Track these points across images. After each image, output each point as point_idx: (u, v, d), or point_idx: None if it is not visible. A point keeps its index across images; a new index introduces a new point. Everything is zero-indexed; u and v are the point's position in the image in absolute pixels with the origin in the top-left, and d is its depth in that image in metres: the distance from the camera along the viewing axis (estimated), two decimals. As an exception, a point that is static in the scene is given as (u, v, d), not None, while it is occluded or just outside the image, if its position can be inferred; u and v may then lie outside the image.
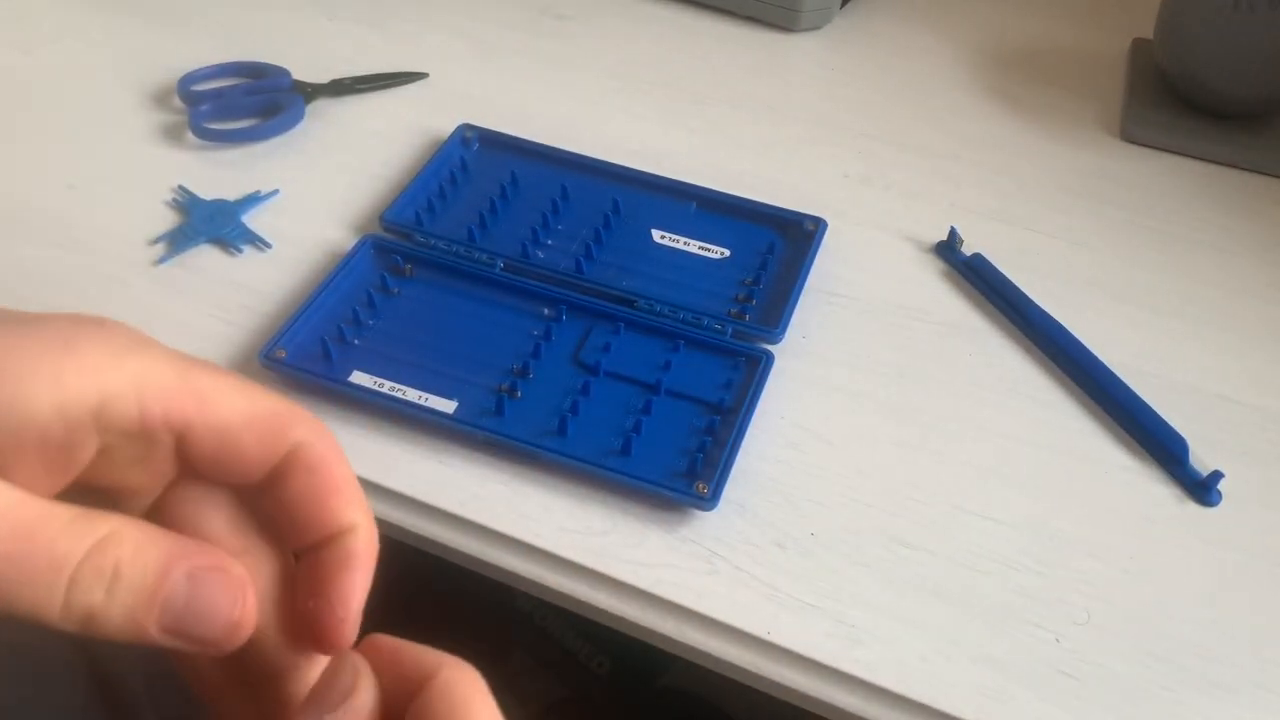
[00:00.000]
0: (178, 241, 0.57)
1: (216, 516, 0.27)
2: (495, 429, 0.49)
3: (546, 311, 0.54)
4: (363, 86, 0.68)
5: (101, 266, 0.56)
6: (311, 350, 0.51)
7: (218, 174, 0.62)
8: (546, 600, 0.46)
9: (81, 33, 0.71)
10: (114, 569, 0.23)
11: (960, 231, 0.59)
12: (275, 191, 0.61)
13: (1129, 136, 0.68)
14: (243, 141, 0.64)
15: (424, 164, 0.61)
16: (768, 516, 0.47)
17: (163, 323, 0.54)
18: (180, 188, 0.60)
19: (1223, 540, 0.48)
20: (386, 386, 0.50)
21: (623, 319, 0.54)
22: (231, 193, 0.60)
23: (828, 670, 0.43)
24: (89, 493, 0.26)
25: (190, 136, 0.63)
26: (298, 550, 0.27)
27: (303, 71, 0.67)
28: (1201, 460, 0.50)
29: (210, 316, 0.54)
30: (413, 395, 0.50)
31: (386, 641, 0.27)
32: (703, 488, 0.47)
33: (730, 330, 0.53)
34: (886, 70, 0.73)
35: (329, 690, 0.25)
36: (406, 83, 0.69)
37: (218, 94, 0.65)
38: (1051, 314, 0.56)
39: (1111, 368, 0.53)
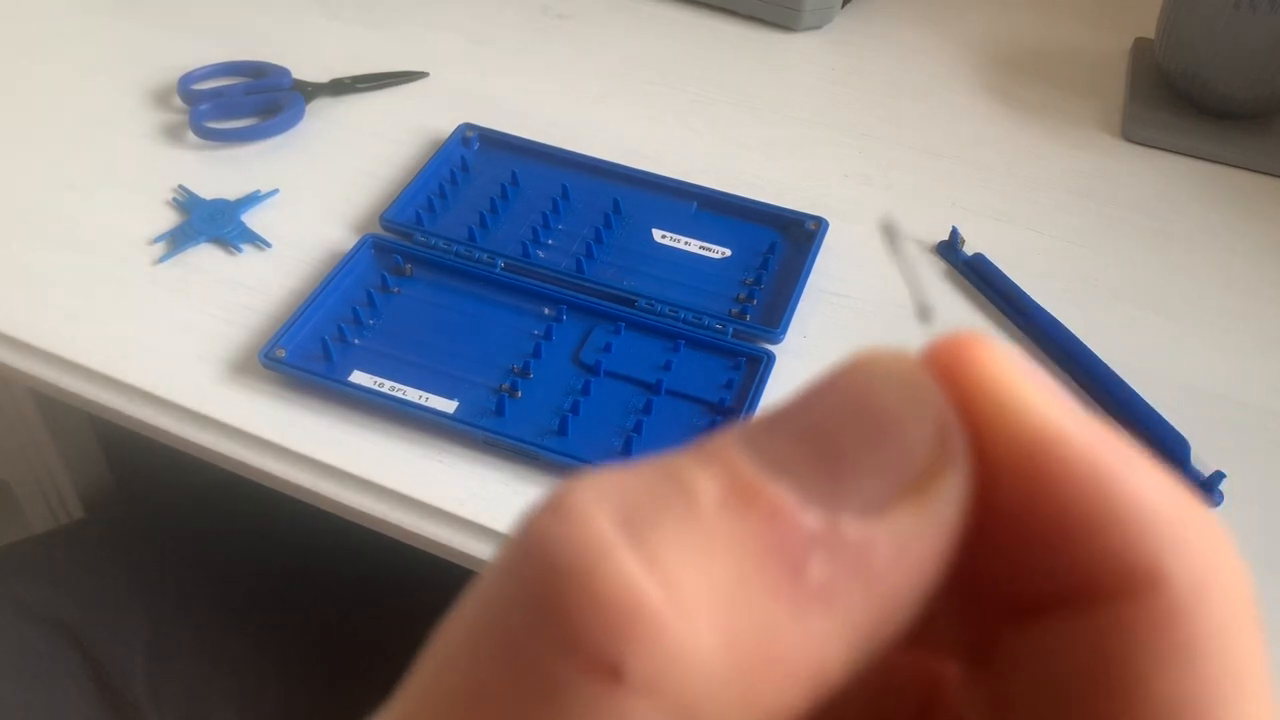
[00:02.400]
0: (178, 241, 0.57)
1: None
2: (496, 429, 0.49)
3: (547, 311, 0.54)
4: (363, 86, 0.67)
5: (102, 266, 0.56)
6: (311, 350, 0.51)
7: (218, 173, 0.61)
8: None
9: (81, 32, 0.71)
10: None
11: (961, 231, 0.59)
12: (275, 191, 0.60)
13: (1130, 136, 0.68)
14: (243, 141, 0.63)
15: (424, 163, 0.61)
16: (768, 517, 0.47)
17: (163, 322, 0.54)
18: (180, 187, 0.60)
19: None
20: (387, 386, 0.50)
21: (623, 319, 0.54)
22: (231, 192, 0.60)
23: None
24: None
25: (190, 136, 0.63)
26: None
27: (303, 71, 0.67)
28: (1203, 461, 0.50)
29: (210, 316, 0.54)
30: (413, 395, 0.50)
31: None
32: (703, 488, 0.46)
33: (731, 330, 0.53)
34: (888, 70, 0.73)
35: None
36: (407, 82, 0.68)
37: (218, 93, 0.65)
38: (1053, 314, 0.55)
39: (1113, 368, 0.53)
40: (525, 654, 0.12)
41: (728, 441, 0.13)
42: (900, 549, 0.13)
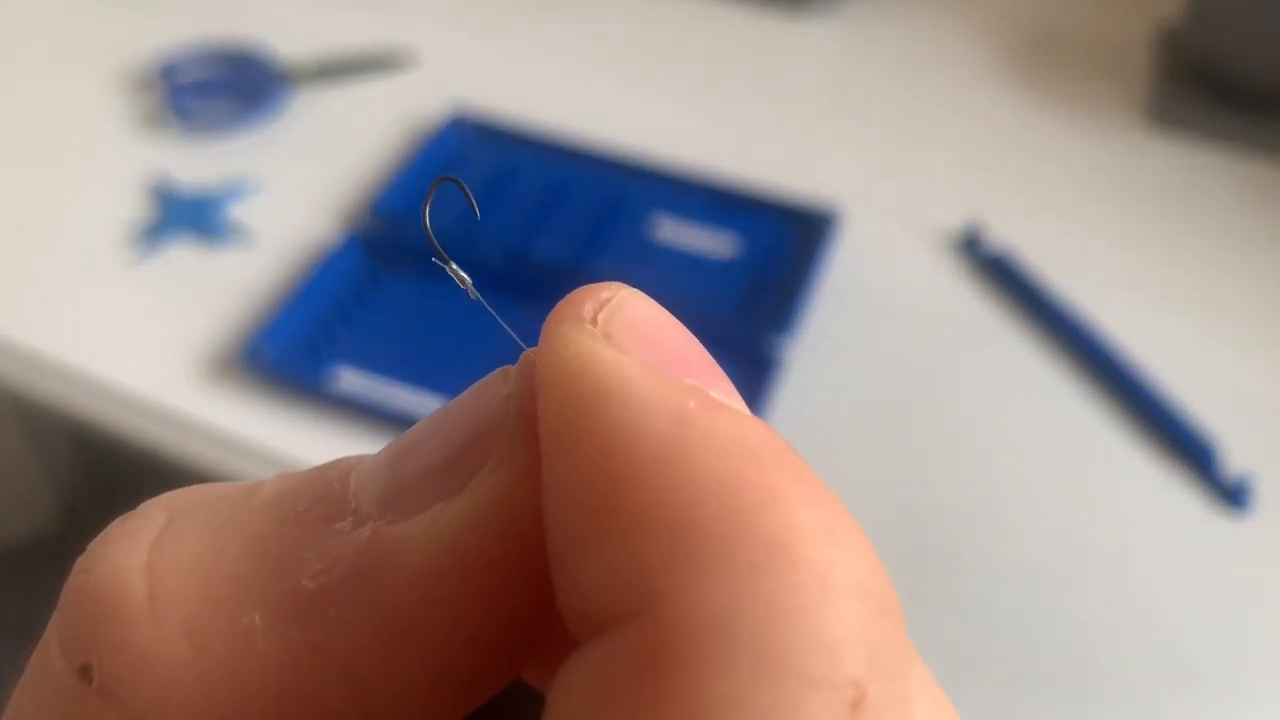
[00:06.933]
0: (157, 234, 0.55)
1: None
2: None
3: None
4: (351, 72, 0.65)
5: (78, 260, 0.55)
6: (298, 347, 0.50)
7: (199, 164, 0.59)
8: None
9: (58, 17, 0.69)
10: None
11: (981, 224, 0.57)
12: (259, 181, 0.58)
13: (1158, 124, 0.65)
14: (225, 129, 0.61)
15: (416, 152, 0.59)
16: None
17: (141, 319, 0.52)
18: (160, 178, 0.58)
19: (1251, 545, 0.46)
20: (377, 385, 0.48)
21: (626, 315, 0.52)
22: (214, 183, 0.58)
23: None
24: None
25: (170, 125, 0.61)
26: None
27: (288, 56, 0.64)
28: (1231, 464, 0.48)
29: (190, 312, 0.52)
30: (405, 394, 0.48)
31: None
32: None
33: (738, 328, 0.51)
34: (903, 56, 0.71)
35: None
36: (398, 67, 0.66)
37: (199, 80, 0.63)
38: (1075, 309, 0.54)
39: (1138, 366, 0.51)
40: (46, 657, 0.11)
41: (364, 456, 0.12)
42: (408, 553, 0.11)
